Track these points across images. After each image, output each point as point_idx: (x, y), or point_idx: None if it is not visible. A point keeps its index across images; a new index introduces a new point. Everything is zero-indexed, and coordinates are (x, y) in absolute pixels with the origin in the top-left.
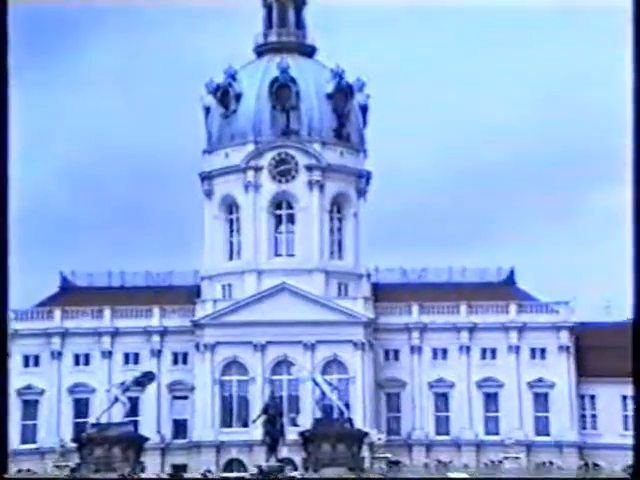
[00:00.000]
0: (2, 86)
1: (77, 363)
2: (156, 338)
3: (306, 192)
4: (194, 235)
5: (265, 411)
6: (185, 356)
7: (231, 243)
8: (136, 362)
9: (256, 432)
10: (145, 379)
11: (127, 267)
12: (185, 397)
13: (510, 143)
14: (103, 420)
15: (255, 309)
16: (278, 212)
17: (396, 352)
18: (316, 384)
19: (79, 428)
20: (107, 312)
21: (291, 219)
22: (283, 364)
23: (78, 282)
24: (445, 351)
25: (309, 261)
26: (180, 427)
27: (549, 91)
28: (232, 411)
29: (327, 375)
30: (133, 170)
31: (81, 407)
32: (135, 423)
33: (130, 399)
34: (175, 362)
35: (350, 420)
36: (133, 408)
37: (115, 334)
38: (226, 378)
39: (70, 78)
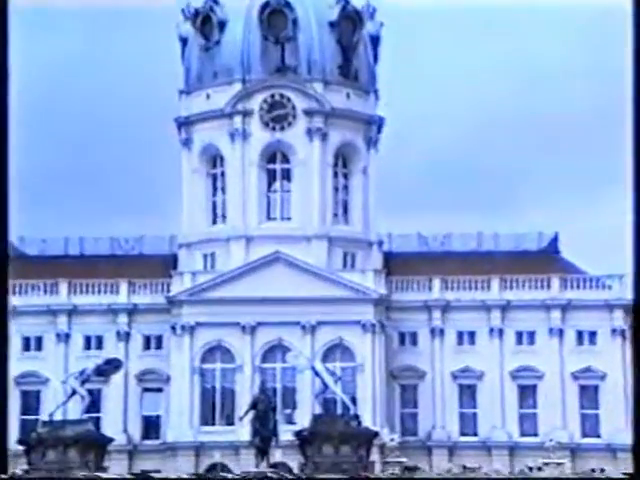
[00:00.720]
0: (2, 85)
1: (26, 348)
2: (123, 318)
3: (305, 142)
4: (169, 194)
5: (254, 406)
6: (158, 340)
7: (214, 204)
8: (99, 347)
9: (243, 431)
10: (109, 367)
11: (88, 232)
12: (158, 389)
13: (557, 89)
14: (57, 417)
15: (243, 283)
16: (271, 166)
17: (413, 335)
18: (316, 374)
19: (27, 427)
20: (63, 286)
21: (287, 175)
22: (277, 350)
23: (28, 250)
24: (472, 334)
25: (308, 226)
26: (152, 425)
27: (604, 33)
28: (215, 406)
29: (329, 363)
30: (94, 116)
31: (30, 401)
32: (97, 420)
33: (91, 392)
34: (146, 347)
35: (357, 417)
36: (94, 402)
37: (73, 313)
38: (208, 366)
39: (31, 19)
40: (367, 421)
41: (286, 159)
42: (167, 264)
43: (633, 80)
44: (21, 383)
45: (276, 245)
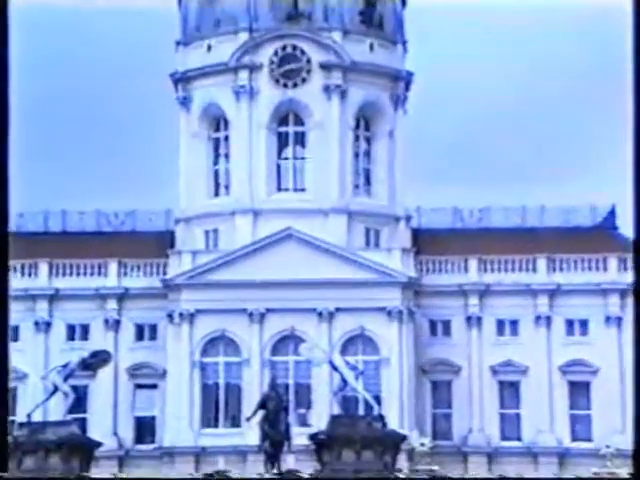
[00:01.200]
0: (2, 85)
1: None
2: (112, 304)
3: (321, 101)
4: (165, 161)
5: (263, 405)
6: (153, 329)
7: (217, 172)
8: (84, 337)
9: (251, 434)
10: (96, 361)
11: (72, 205)
12: (153, 386)
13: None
14: (37, 418)
15: (250, 264)
16: (283, 129)
17: (446, 324)
18: (334, 368)
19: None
20: (43, 267)
21: (301, 140)
22: (289, 340)
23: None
24: (515, 323)
25: (325, 198)
26: (146, 428)
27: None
28: (218, 405)
29: (350, 356)
30: (78, 70)
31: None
32: (82, 422)
33: (75, 389)
34: (139, 337)
35: (382, 418)
36: (79, 401)
37: (54, 298)
38: (210, 360)
39: None
40: (393, 423)
41: (300, 121)
42: (163, 242)
43: (633, 80)
44: None
45: (288, 220)
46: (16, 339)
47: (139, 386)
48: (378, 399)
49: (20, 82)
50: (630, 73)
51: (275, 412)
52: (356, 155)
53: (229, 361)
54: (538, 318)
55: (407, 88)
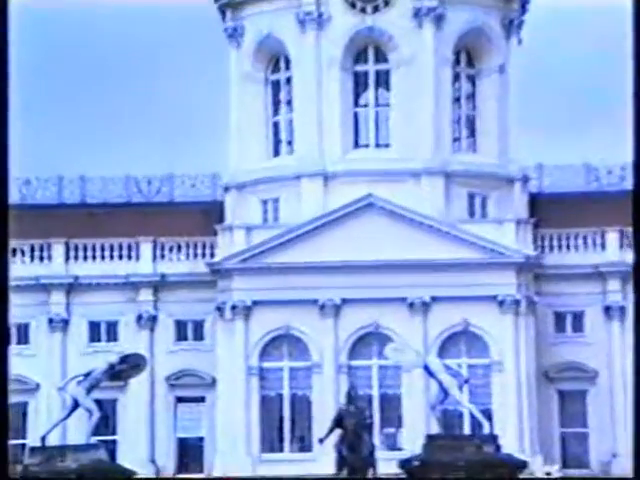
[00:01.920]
0: (2, 84)
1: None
2: (146, 295)
3: (411, 30)
4: (211, 112)
5: (340, 423)
6: (198, 327)
7: (276, 125)
8: (111, 338)
9: (325, 461)
10: (127, 368)
11: (93, 170)
12: (199, 399)
13: None
14: (53, 442)
15: (321, 243)
16: (360, 68)
17: (578, 317)
18: (431, 375)
19: (12, 453)
20: (58, 249)
21: (384, 81)
22: (372, 339)
23: (11, 198)
24: None
25: (416, 156)
26: (191, 452)
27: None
28: (282, 423)
29: (450, 359)
30: (104, 12)
31: (13, 417)
32: (111, 446)
33: (100, 404)
34: (181, 338)
35: (494, 439)
36: (105, 420)
37: (73, 289)
38: (270, 365)
39: None
40: (510, 445)
41: (383, 57)
42: (209, 216)
43: (633, 80)
44: None
45: (368, 185)
46: (25, 341)
47: (181, 399)
48: (488, 414)
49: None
50: (630, 73)
51: (355, 432)
52: (456, 99)
53: (295, 366)
54: None
55: (523, 10)
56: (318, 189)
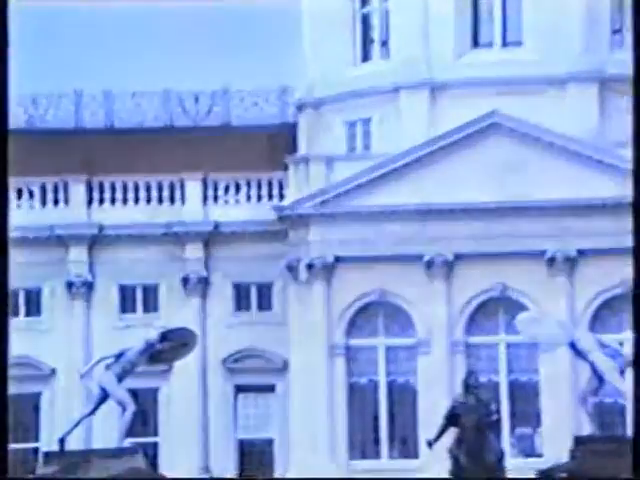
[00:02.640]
0: (2, 84)
1: (14, 312)
2: (195, 251)
3: None
4: (275, 5)
5: (454, 420)
6: (264, 293)
7: (365, 20)
8: (150, 308)
9: (435, 470)
10: (171, 347)
11: (121, 83)
12: (267, 388)
13: None
14: (75, 445)
15: (427, 179)
16: None
17: None
18: (580, 355)
19: (17, 463)
20: (77, 190)
21: None
22: (497, 307)
23: (14, 121)
24: None
25: (559, 56)
26: (255, 458)
27: None
28: (377, 421)
29: (610, 333)
30: None
31: (19, 415)
32: (151, 449)
33: (136, 395)
34: (241, 306)
35: None
36: (143, 415)
37: (98, 242)
38: (360, 342)
39: None
40: None
41: None
42: (277, 143)
43: (633, 80)
44: None
45: (492, 98)
46: (36, 312)
47: (243, 389)
48: None
49: None
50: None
51: (476, 432)
52: None
53: (394, 344)
54: None
55: None
56: (423, 104)
